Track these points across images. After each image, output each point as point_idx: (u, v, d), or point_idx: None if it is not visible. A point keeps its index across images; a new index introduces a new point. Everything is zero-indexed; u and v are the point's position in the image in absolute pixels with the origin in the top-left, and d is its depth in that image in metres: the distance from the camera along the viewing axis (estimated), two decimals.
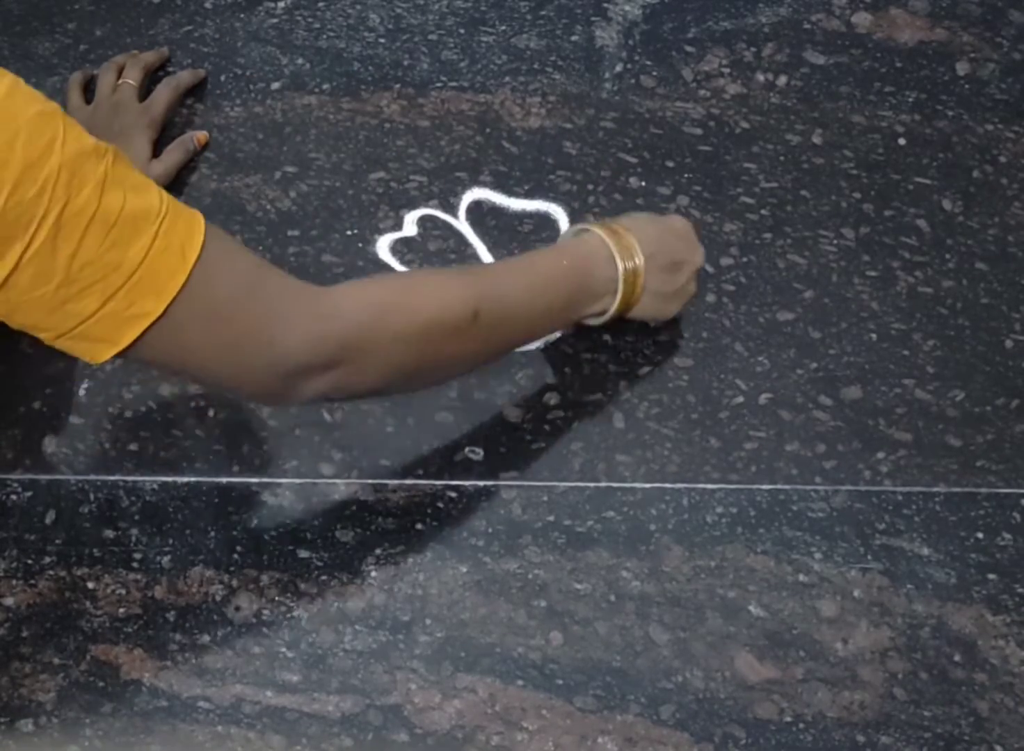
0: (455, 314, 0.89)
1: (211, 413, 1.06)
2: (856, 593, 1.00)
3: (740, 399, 1.09)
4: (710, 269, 1.15)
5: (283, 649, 0.97)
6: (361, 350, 0.86)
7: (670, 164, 1.21)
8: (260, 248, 1.14)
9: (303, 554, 1.00)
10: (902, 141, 1.23)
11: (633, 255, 1.00)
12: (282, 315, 0.82)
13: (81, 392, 1.07)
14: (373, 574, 1.00)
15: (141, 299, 0.77)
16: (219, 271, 0.80)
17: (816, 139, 1.23)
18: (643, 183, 1.20)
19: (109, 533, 1.01)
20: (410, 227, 1.17)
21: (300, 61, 1.26)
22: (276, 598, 0.99)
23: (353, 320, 0.85)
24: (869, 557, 1.01)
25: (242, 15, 1.29)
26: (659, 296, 1.04)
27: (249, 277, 0.82)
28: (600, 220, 1.06)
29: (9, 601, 0.98)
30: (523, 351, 1.10)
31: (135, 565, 1.00)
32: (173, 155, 1.17)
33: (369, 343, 0.86)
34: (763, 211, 1.18)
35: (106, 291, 0.76)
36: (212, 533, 1.01)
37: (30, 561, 1.00)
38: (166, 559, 1.00)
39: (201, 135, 1.20)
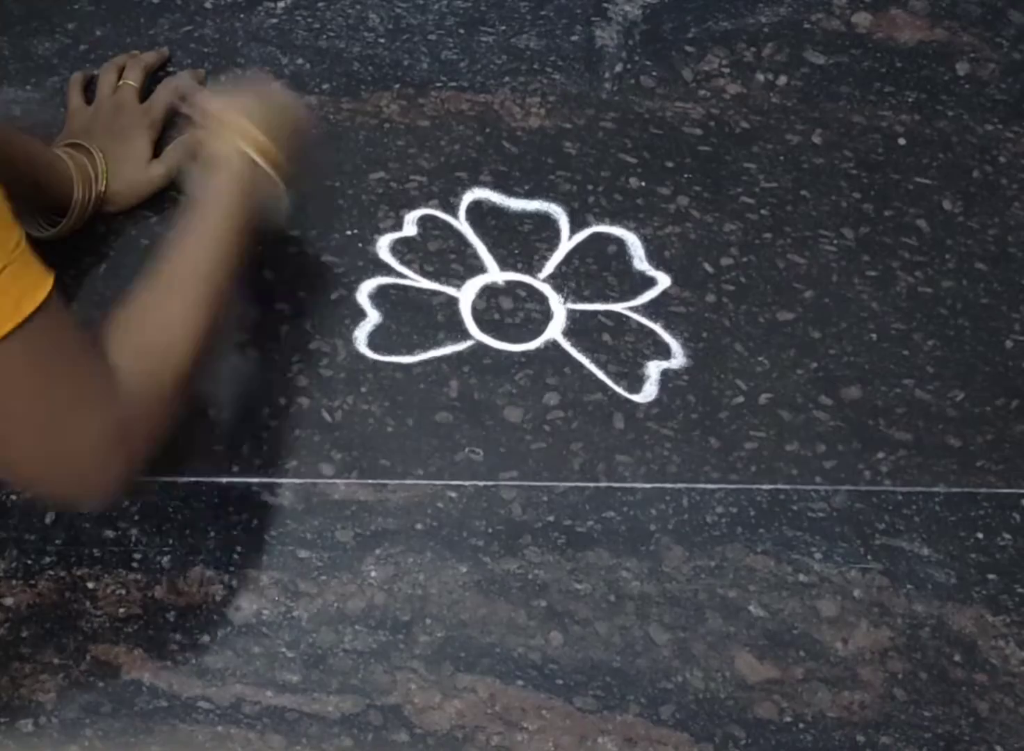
0: (201, 326, 0.88)
1: (211, 413, 1.06)
2: (856, 593, 1.00)
3: (740, 399, 1.09)
4: (710, 269, 1.15)
5: (283, 649, 0.97)
6: (148, 417, 0.84)
7: (670, 164, 1.21)
8: (260, 248, 1.14)
9: (303, 554, 1.00)
10: (902, 141, 1.23)
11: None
12: (85, 409, 0.79)
13: None
14: (373, 574, 1.00)
15: None
16: (46, 341, 0.76)
17: (816, 139, 1.23)
18: (643, 183, 1.20)
19: (109, 533, 1.01)
20: (410, 227, 1.17)
21: (300, 61, 1.26)
22: (276, 598, 0.99)
23: (135, 399, 0.82)
24: (869, 557, 1.01)
25: (242, 15, 1.29)
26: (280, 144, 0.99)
27: (68, 363, 0.79)
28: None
29: (9, 601, 0.98)
30: (523, 351, 1.10)
31: (135, 565, 1.00)
32: (173, 155, 1.17)
33: (152, 404, 0.84)
34: (763, 211, 1.18)
35: None
36: (212, 533, 1.01)
37: (30, 561, 1.00)
38: (166, 559, 1.00)
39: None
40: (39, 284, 0.76)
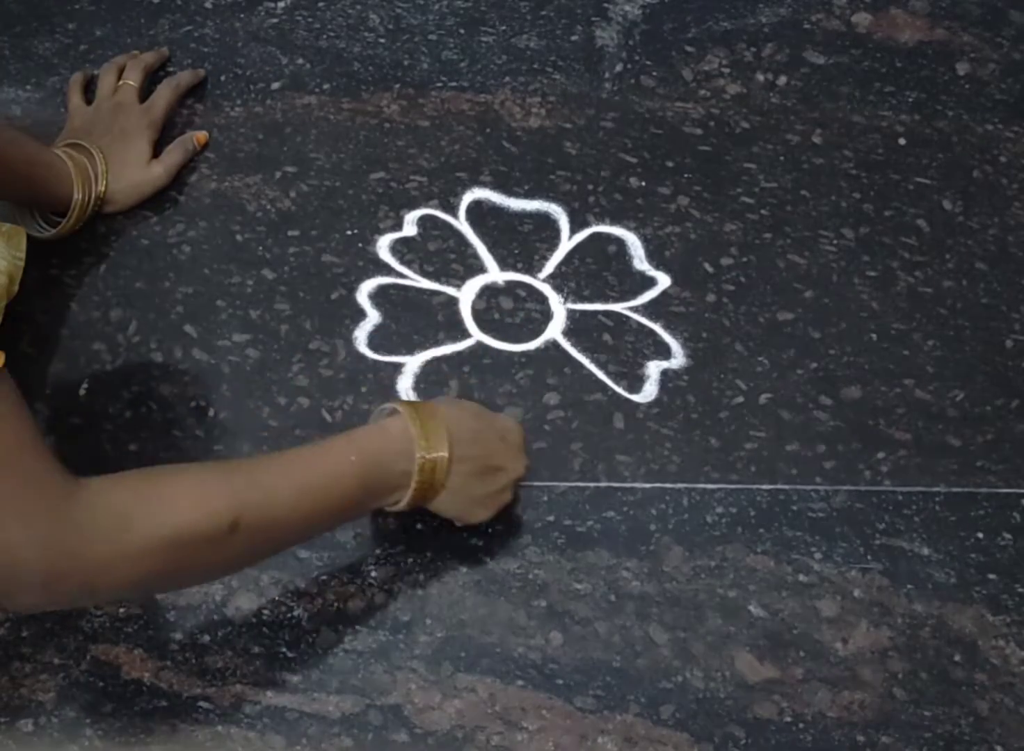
0: (209, 525, 0.79)
1: (211, 413, 1.06)
2: (856, 593, 1.00)
3: (740, 399, 1.09)
4: (710, 269, 1.15)
5: (283, 649, 0.97)
6: (98, 564, 0.76)
7: (670, 164, 1.21)
8: (260, 248, 1.15)
9: (303, 554, 1.00)
10: (902, 141, 1.23)
11: (436, 447, 0.90)
12: (18, 506, 0.72)
13: (81, 392, 1.07)
14: (373, 574, 1.00)
15: None
16: None
17: (816, 139, 1.23)
18: (643, 183, 1.20)
19: None
20: (410, 227, 1.17)
21: (300, 61, 1.26)
22: (276, 598, 0.99)
23: (92, 534, 0.75)
24: (869, 557, 1.01)
25: (242, 15, 1.29)
26: (465, 498, 0.95)
27: (9, 449, 0.72)
28: (416, 402, 1.00)
29: None
30: (523, 351, 1.10)
31: None
32: (173, 155, 1.17)
33: (108, 557, 0.76)
34: (763, 211, 1.18)
35: None
36: None
37: None
38: None
39: (201, 135, 1.20)
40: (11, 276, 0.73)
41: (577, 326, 1.11)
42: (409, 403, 0.95)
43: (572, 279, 1.14)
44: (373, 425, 0.94)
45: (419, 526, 1.02)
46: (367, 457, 0.89)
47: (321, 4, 1.30)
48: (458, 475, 0.92)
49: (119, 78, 1.20)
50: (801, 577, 1.01)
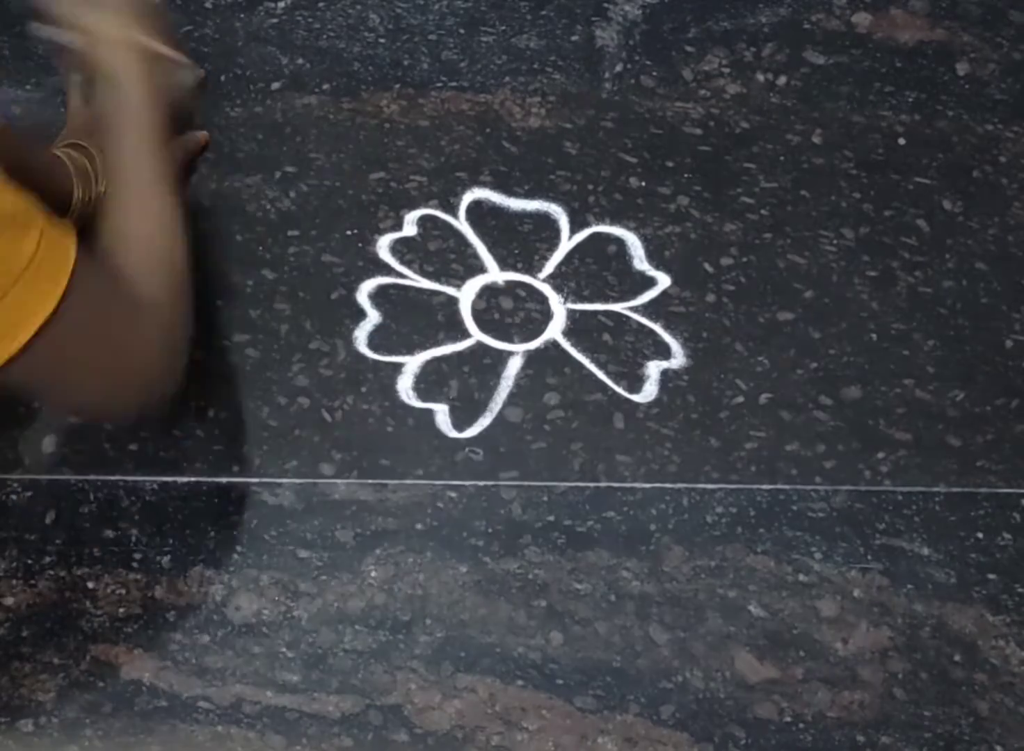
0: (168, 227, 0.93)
1: (211, 413, 1.06)
2: (856, 593, 1.00)
3: (740, 399, 1.09)
4: (710, 269, 1.15)
5: (283, 649, 0.97)
6: (172, 312, 0.90)
7: (670, 164, 1.21)
8: (260, 248, 1.15)
9: (303, 554, 1.00)
10: (902, 141, 1.23)
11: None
12: (142, 330, 0.85)
13: None
14: (373, 574, 1.00)
15: (34, 293, 0.77)
16: (94, 286, 0.81)
17: (816, 139, 1.23)
18: (643, 183, 1.20)
19: (109, 533, 1.01)
20: (410, 227, 1.17)
21: (300, 61, 1.26)
22: (276, 598, 0.99)
23: (161, 306, 0.88)
24: (869, 557, 1.01)
25: (242, 15, 1.29)
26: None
27: (117, 298, 0.84)
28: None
29: (9, 601, 0.98)
30: (523, 351, 1.10)
31: (135, 565, 1.00)
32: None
33: (174, 300, 0.90)
34: (763, 211, 1.18)
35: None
36: (212, 533, 1.01)
37: (30, 561, 1.00)
38: (166, 559, 1.00)
39: (201, 135, 1.20)
40: (67, 243, 0.80)
41: (577, 326, 1.11)
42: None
43: (572, 279, 1.14)
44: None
45: (419, 526, 1.02)
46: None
47: (321, 4, 1.30)
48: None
49: None
50: (801, 577, 1.01)
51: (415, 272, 1.14)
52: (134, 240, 0.91)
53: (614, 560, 1.01)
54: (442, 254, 1.15)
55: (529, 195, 1.19)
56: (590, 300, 1.13)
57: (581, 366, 1.10)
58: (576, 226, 1.17)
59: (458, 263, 1.15)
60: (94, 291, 0.82)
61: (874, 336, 1.12)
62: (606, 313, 1.13)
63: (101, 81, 0.99)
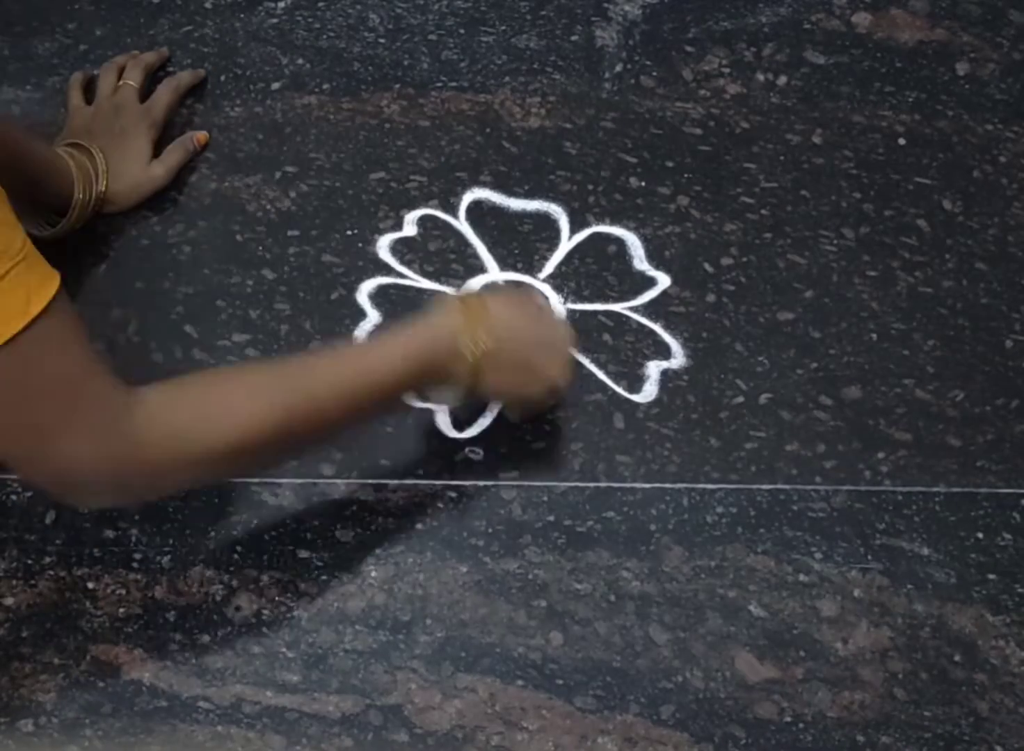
0: (262, 434, 0.85)
1: None
2: (856, 593, 1.00)
3: (740, 399, 1.09)
4: (710, 269, 1.15)
5: (283, 649, 0.97)
6: (160, 471, 0.83)
7: (670, 164, 1.21)
8: (260, 248, 1.15)
9: (303, 554, 1.00)
10: (902, 141, 1.23)
11: (478, 341, 0.93)
12: (81, 421, 0.79)
13: None
14: (373, 574, 1.00)
15: None
16: (51, 345, 0.76)
17: (816, 139, 1.23)
18: (643, 183, 1.20)
19: (109, 533, 1.01)
20: (410, 227, 1.17)
21: (300, 61, 1.26)
22: (276, 598, 0.99)
23: (149, 446, 0.81)
24: (869, 557, 1.01)
25: (242, 15, 1.29)
26: (503, 389, 0.99)
27: (73, 367, 0.79)
28: (468, 296, 1.00)
29: (9, 601, 0.98)
30: None
31: (135, 565, 1.00)
32: (173, 155, 1.17)
33: (168, 467, 0.83)
34: (763, 211, 1.18)
35: None
36: (212, 533, 1.01)
37: (30, 561, 1.00)
38: (166, 559, 1.00)
39: (201, 135, 1.20)
40: (46, 286, 0.76)
41: (577, 326, 1.11)
42: (458, 296, 0.98)
43: (572, 279, 1.14)
44: (418, 323, 0.94)
45: (419, 526, 1.02)
46: (413, 353, 0.92)
47: (321, 4, 1.30)
48: (496, 368, 0.94)
49: (119, 78, 1.20)
50: (801, 577, 1.01)
51: (415, 272, 1.14)
52: (209, 399, 0.85)
53: (614, 560, 1.01)
54: (442, 254, 1.15)
55: (529, 195, 1.19)
56: (590, 300, 1.13)
57: (581, 366, 1.10)
58: (576, 226, 1.17)
59: (458, 263, 1.15)
60: (54, 350, 0.76)
61: (874, 336, 1.12)
62: (606, 313, 1.13)
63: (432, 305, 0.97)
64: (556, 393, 1.01)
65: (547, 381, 0.99)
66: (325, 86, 1.24)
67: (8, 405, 0.77)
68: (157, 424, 0.82)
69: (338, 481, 1.04)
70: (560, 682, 0.96)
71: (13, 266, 0.73)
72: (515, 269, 1.14)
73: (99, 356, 0.81)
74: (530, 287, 1.10)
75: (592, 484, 1.04)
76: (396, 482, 1.04)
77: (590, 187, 1.19)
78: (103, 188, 1.13)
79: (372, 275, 1.14)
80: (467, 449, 1.05)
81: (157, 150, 1.17)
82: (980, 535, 1.03)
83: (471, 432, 1.06)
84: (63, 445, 0.78)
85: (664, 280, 1.14)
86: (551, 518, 1.02)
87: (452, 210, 1.18)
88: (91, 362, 0.80)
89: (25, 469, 0.83)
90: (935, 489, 1.05)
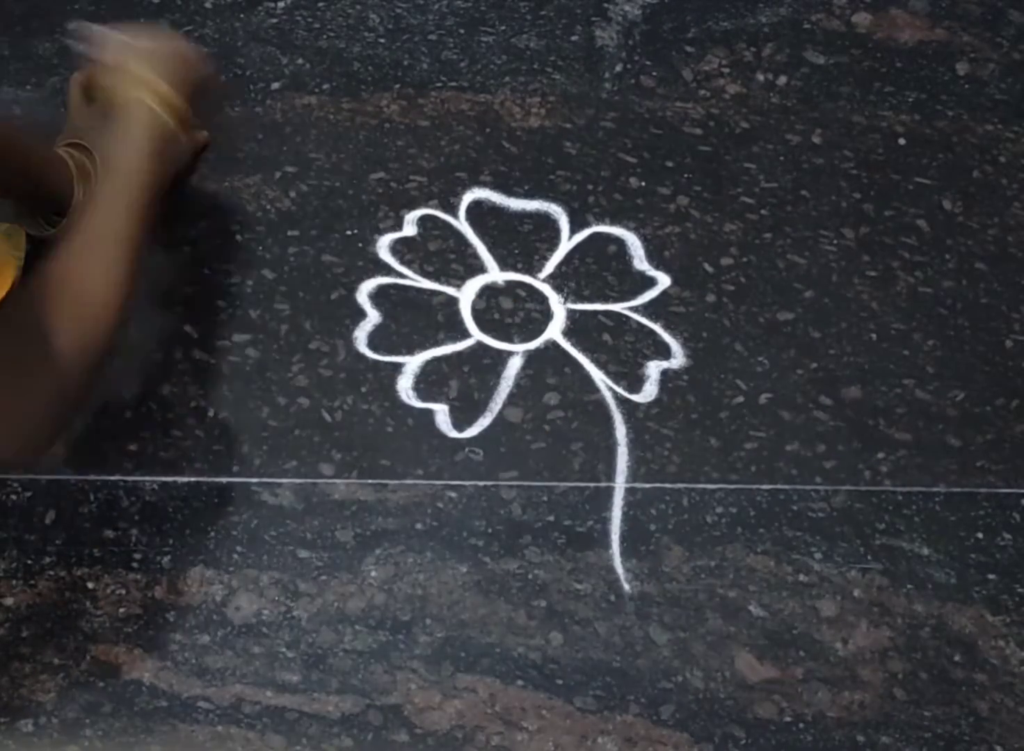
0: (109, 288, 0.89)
1: (211, 413, 1.06)
2: (856, 593, 1.00)
3: (740, 399, 1.09)
4: (710, 269, 1.15)
5: (283, 649, 0.97)
6: (79, 379, 0.85)
7: (670, 164, 1.21)
8: (260, 248, 1.15)
9: (303, 554, 1.00)
10: (902, 141, 1.23)
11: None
12: (38, 380, 0.81)
13: None
14: (373, 574, 1.00)
15: None
16: (14, 320, 0.79)
17: (816, 139, 1.23)
18: (643, 183, 1.20)
19: (109, 533, 1.01)
20: (410, 227, 1.17)
21: (300, 61, 1.26)
22: (276, 598, 0.99)
23: (70, 367, 0.84)
24: (869, 557, 1.01)
25: (242, 15, 1.29)
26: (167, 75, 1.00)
27: (31, 339, 0.81)
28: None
29: (9, 601, 0.98)
30: (523, 350, 1.10)
31: (135, 565, 1.00)
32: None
33: (85, 369, 0.85)
34: (763, 211, 1.18)
35: None
36: (212, 533, 1.01)
37: (30, 561, 1.00)
38: (166, 559, 1.00)
39: (201, 135, 1.20)
40: (3, 270, 0.77)
41: (577, 326, 1.11)
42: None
43: (572, 279, 1.14)
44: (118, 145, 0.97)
45: (419, 526, 1.02)
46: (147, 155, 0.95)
47: (321, 4, 1.30)
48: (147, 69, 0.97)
49: None
50: (801, 577, 1.01)
51: (415, 272, 1.14)
52: (71, 290, 0.87)
53: (614, 560, 1.01)
54: (442, 254, 1.15)
55: (529, 195, 1.19)
56: (590, 300, 1.13)
57: (581, 366, 1.10)
58: (576, 226, 1.17)
59: (458, 263, 1.15)
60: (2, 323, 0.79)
61: (874, 336, 1.12)
62: (606, 313, 1.13)
63: (110, 113, 0.99)
64: (201, 62, 1.02)
65: (194, 51, 1.01)
66: (325, 86, 1.24)
67: None
68: (69, 343, 0.84)
69: (338, 481, 1.04)
70: (560, 682, 0.96)
71: None
72: (515, 269, 1.14)
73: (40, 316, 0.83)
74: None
75: (592, 484, 1.04)
76: (396, 482, 1.04)
77: (590, 187, 1.19)
78: None
79: (372, 275, 1.14)
80: (467, 449, 1.05)
81: None
82: (980, 535, 1.03)
83: (471, 432, 1.06)
84: (23, 401, 0.81)
85: (664, 280, 1.14)
86: (551, 518, 1.02)
87: (452, 210, 1.18)
88: (40, 331, 0.82)
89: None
90: (935, 489, 1.05)
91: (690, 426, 1.07)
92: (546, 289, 1.14)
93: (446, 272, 1.14)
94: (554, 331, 1.11)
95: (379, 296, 1.13)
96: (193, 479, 1.03)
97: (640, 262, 1.15)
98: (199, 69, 1.03)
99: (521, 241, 1.16)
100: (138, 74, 0.97)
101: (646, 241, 1.16)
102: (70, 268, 0.89)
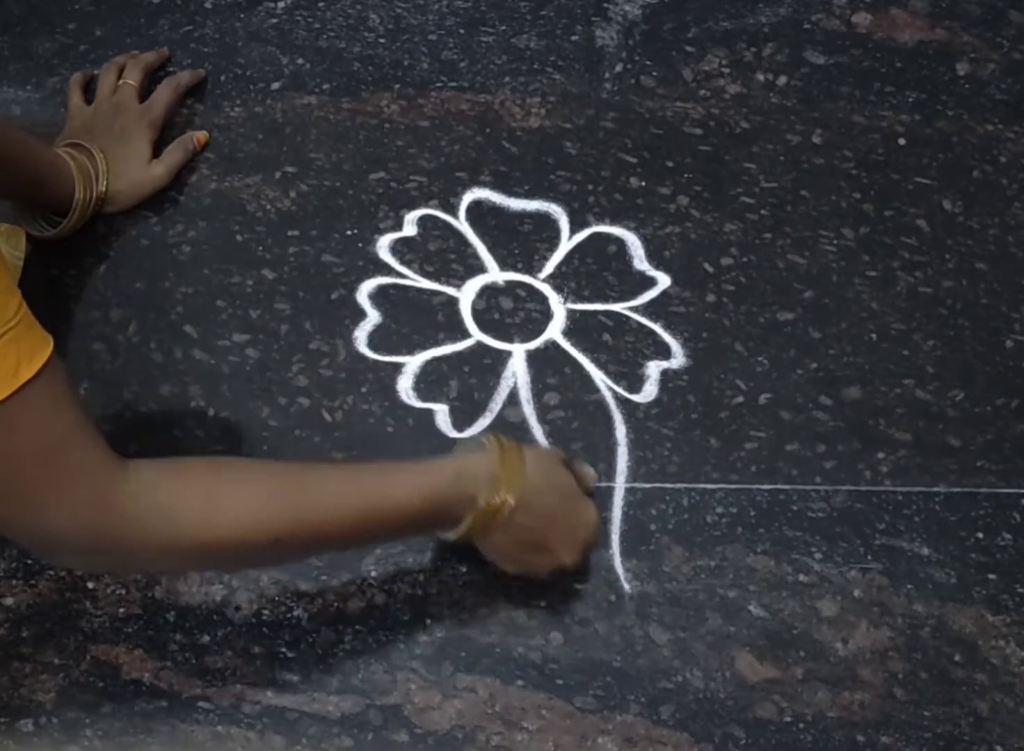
0: (253, 538, 0.81)
1: (211, 413, 1.06)
2: (856, 593, 1.00)
3: (740, 399, 1.09)
4: (710, 269, 1.15)
5: (283, 649, 0.97)
6: (133, 554, 0.80)
7: (670, 164, 1.21)
8: (260, 248, 1.15)
9: None
10: (902, 141, 1.23)
11: (504, 495, 0.89)
12: (66, 492, 0.75)
13: (81, 392, 1.07)
14: (373, 574, 1.00)
15: None
16: (39, 412, 0.73)
17: (816, 139, 1.23)
18: (643, 183, 1.20)
19: None
20: (410, 227, 1.17)
21: (300, 61, 1.26)
22: (276, 598, 0.99)
23: (135, 526, 0.78)
24: (869, 557, 1.01)
25: (242, 15, 1.29)
26: (502, 552, 0.94)
27: (61, 436, 0.75)
28: (507, 442, 0.93)
29: (9, 601, 0.98)
30: (525, 350, 1.10)
31: None
32: (173, 155, 1.17)
33: (145, 549, 0.80)
34: (763, 211, 1.18)
35: None
36: None
37: (30, 561, 1.00)
38: None
39: (201, 135, 1.20)
40: (37, 353, 0.73)
41: (577, 326, 1.11)
42: (499, 442, 0.92)
43: (572, 279, 1.14)
44: (447, 464, 0.90)
45: None
46: (431, 499, 0.88)
47: (321, 4, 1.30)
48: (507, 532, 0.91)
49: (119, 78, 1.20)
50: (801, 577, 1.01)
51: (415, 272, 1.14)
52: (209, 489, 0.81)
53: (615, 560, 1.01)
54: (442, 254, 1.15)
55: (529, 195, 1.19)
56: (590, 300, 1.13)
57: (581, 366, 1.10)
58: (576, 226, 1.17)
59: (458, 263, 1.15)
60: (43, 418, 0.74)
61: (874, 336, 1.12)
62: (606, 313, 1.13)
63: (464, 449, 0.95)
64: (561, 572, 0.96)
65: (555, 562, 0.94)
66: (325, 86, 1.24)
67: None
68: (141, 500, 0.78)
69: None
70: (560, 682, 0.96)
71: (6, 332, 0.71)
72: (515, 269, 1.14)
73: (91, 424, 0.78)
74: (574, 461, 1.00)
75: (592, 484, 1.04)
76: None
77: (590, 187, 1.19)
78: (103, 188, 1.13)
79: (372, 275, 1.14)
80: None
81: (157, 150, 1.17)
82: (980, 535, 1.03)
83: (471, 432, 1.06)
84: (47, 514, 0.75)
85: (664, 280, 1.14)
86: None
87: (452, 210, 1.18)
88: (81, 430, 0.77)
89: (9, 531, 0.79)
90: (935, 489, 1.05)
91: (690, 426, 1.07)
92: (546, 289, 1.14)
93: (446, 272, 1.14)
94: (554, 331, 1.11)
95: (379, 296, 1.13)
96: None
97: (640, 262, 1.15)
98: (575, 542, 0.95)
99: (521, 241, 1.16)
100: (520, 475, 0.89)
101: (646, 241, 1.16)
102: (251, 472, 0.85)
